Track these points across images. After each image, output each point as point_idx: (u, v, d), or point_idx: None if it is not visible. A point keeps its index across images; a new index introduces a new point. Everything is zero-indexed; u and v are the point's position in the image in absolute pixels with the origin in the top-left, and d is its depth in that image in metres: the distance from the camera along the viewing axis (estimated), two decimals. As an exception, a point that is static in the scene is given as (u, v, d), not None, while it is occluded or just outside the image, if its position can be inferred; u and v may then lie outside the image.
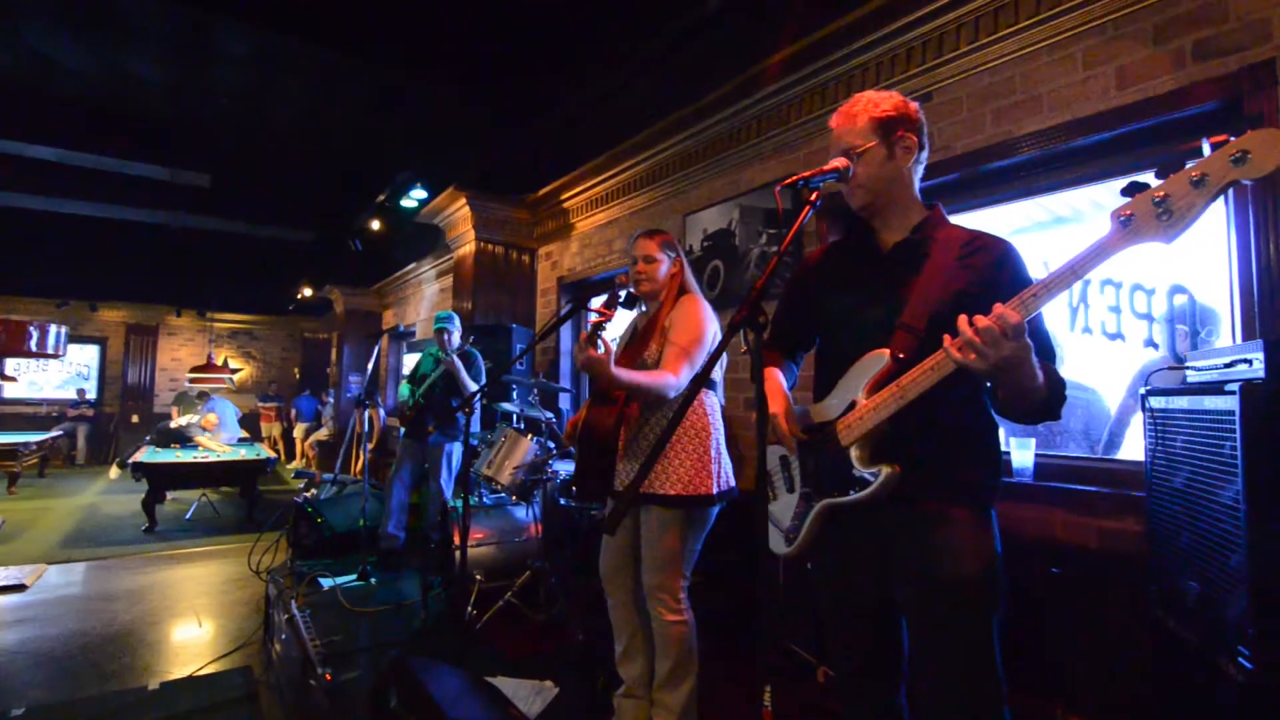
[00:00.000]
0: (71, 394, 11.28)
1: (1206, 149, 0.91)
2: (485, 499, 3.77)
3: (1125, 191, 1.00)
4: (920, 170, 1.41)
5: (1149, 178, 0.99)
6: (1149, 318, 2.44)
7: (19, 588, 3.96)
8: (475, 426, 4.34)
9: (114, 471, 7.87)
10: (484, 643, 2.97)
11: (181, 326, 12.36)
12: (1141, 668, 1.91)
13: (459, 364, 3.95)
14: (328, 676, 2.41)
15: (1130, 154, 2.25)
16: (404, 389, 4.32)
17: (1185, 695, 1.65)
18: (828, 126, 1.44)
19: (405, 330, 8.76)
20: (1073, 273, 1.04)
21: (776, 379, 1.48)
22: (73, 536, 5.55)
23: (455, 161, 5.83)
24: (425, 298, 8.09)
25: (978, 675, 1.21)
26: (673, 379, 1.90)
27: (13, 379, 8.59)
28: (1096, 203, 2.57)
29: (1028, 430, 2.67)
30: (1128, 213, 0.99)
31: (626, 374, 1.84)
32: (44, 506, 6.99)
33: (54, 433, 9.35)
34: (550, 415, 3.70)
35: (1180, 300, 2.35)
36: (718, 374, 2.15)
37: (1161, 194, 0.95)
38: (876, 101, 1.36)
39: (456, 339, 4.17)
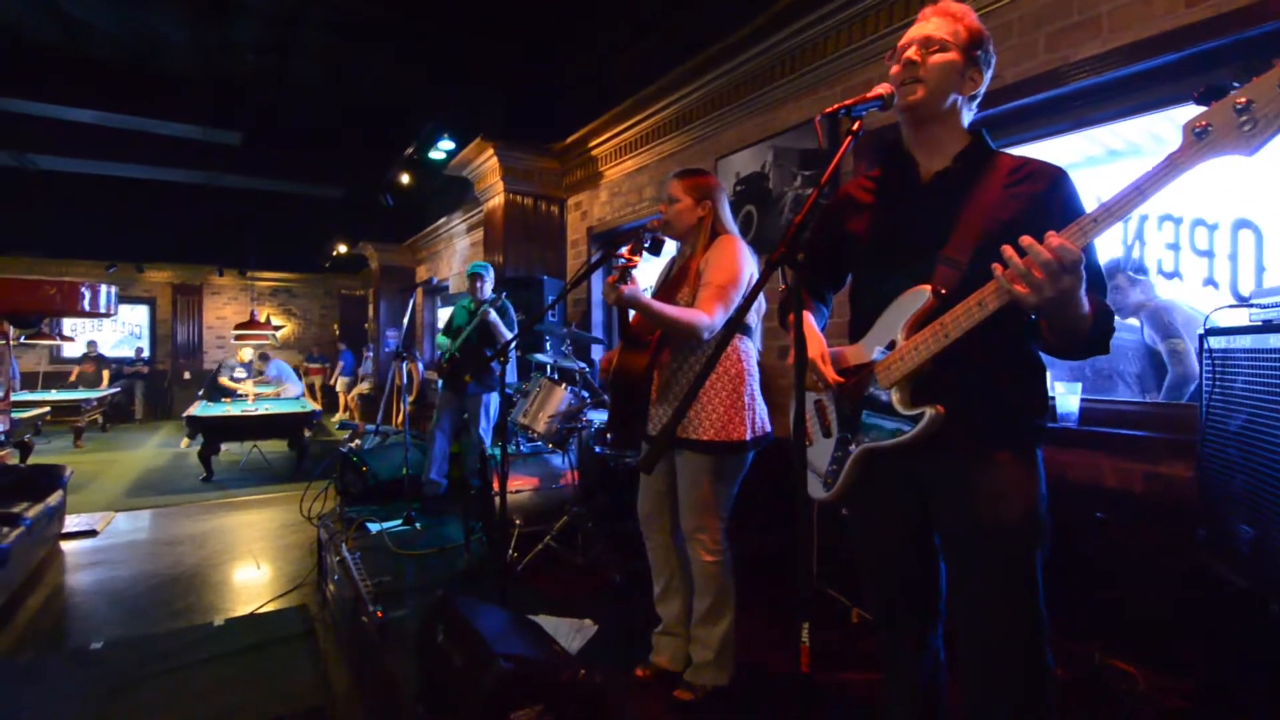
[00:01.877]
0: (126, 353, 11.77)
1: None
2: (523, 447, 3.84)
3: (1201, 99, 0.90)
4: (973, 107, 1.32)
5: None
6: (1209, 254, 2.32)
7: (91, 533, 4.23)
8: (511, 377, 4.41)
9: (185, 444, 8.06)
10: (525, 584, 3.07)
11: (224, 286, 12.70)
12: (1186, 612, 1.88)
13: (493, 314, 3.98)
14: (379, 614, 2.53)
15: (1198, 78, 2.09)
16: (441, 341, 4.39)
17: (1233, 640, 1.63)
18: (905, 28, 1.31)
19: (439, 284, 8.83)
20: (1139, 193, 0.95)
21: (810, 321, 1.44)
22: (137, 486, 5.87)
23: (482, 112, 5.75)
24: (457, 251, 8.12)
25: (1020, 613, 1.19)
26: (705, 318, 1.87)
27: (71, 339, 8.99)
28: (1155, 135, 2.41)
29: (1075, 375, 2.59)
30: (1204, 123, 0.89)
31: (659, 305, 1.87)
32: (108, 459, 7.39)
33: (113, 389, 9.79)
34: (583, 365, 3.71)
35: (1246, 235, 2.22)
36: (754, 319, 2.08)
37: (1244, 99, 0.85)
38: (974, 17, 1.28)
39: (489, 290, 4.20)
